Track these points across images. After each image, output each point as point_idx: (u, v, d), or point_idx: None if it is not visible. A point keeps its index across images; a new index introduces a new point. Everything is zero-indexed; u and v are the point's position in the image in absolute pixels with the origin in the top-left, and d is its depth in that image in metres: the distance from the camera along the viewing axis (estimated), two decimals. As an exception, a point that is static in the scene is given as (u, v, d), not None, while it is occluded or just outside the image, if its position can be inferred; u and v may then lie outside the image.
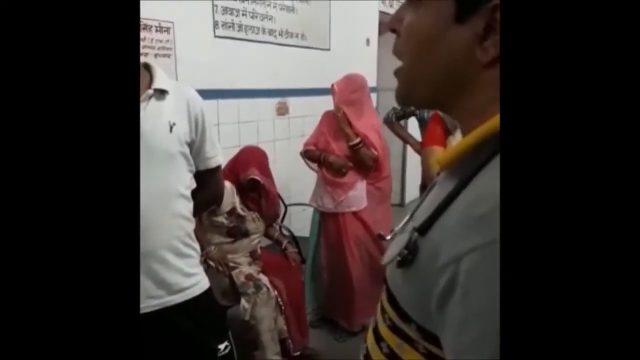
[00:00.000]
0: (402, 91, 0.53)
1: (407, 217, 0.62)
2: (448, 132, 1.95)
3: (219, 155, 1.32)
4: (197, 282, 1.21)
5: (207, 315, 1.24)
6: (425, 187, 1.67)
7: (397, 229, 0.61)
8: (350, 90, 2.39)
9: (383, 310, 0.54)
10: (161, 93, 1.15)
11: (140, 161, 0.48)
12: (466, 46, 0.45)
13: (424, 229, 0.47)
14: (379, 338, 0.55)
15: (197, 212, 1.29)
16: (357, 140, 2.35)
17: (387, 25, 0.53)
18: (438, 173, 0.57)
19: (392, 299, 0.51)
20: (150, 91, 1.13)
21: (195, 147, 1.22)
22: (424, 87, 0.51)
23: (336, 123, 2.42)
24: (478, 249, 0.39)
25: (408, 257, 0.47)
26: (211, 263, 2.11)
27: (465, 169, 0.45)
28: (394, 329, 0.52)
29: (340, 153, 2.41)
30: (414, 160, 2.22)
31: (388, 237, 0.60)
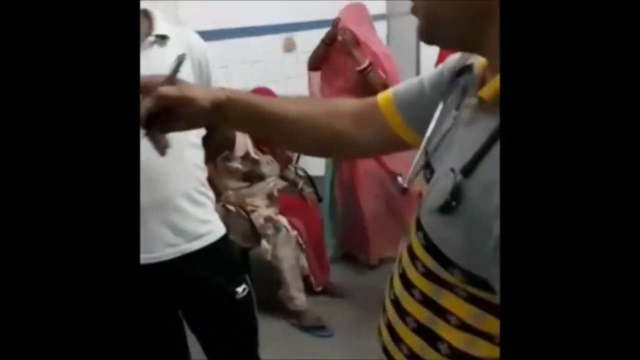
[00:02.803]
0: (426, 29, 0.50)
1: (419, 154, 0.59)
2: None
3: None
4: (213, 229, 1.22)
5: (223, 260, 1.26)
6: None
7: (413, 170, 0.59)
8: (357, 12, 2.28)
9: (414, 258, 0.53)
10: (162, 39, 1.11)
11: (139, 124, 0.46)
12: None
13: (468, 171, 0.45)
14: (409, 285, 0.54)
15: (210, 159, 1.28)
16: (367, 63, 2.20)
17: None
18: (457, 107, 0.54)
19: (430, 246, 0.49)
20: (151, 38, 1.09)
21: None
22: (449, 26, 0.48)
23: (337, 55, 2.28)
24: None
25: (452, 203, 0.45)
26: (230, 207, 2.13)
27: None
28: (429, 275, 0.51)
29: (347, 86, 2.32)
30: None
31: (405, 185, 0.58)
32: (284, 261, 2.11)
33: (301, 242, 2.21)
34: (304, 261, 2.24)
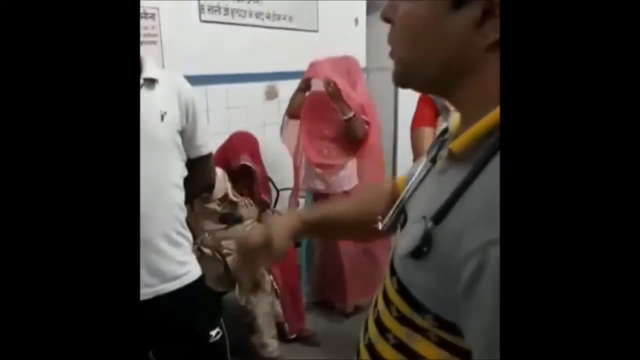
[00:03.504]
0: (399, 74, 0.53)
1: (397, 203, 0.61)
2: (437, 113, 1.94)
3: (210, 143, 1.32)
4: (189, 270, 1.22)
5: (198, 302, 1.25)
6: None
7: (388, 217, 0.61)
8: (332, 64, 2.32)
9: (388, 302, 0.54)
10: (151, 82, 1.14)
11: (140, 154, 0.48)
12: (464, 31, 0.45)
13: (439, 218, 0.46)
14: (383, 329, 0.55)
15: (189, 200, 1.29)
16: (351, 113, 2.24)
17: (381, 14, 0.53)
18: (434, 159, 0.57)
19: (403, 291, 0.51)
20: (141, 81, 1.12)
21: (187, 135, 1.21)
22: (422, 73, 0.51)
23: (318, 104, 2.33)
24: None
25: (423, 249, 0.47)
26: (205, 250, 2.11)
27: (476, 155, 0.45)
28: (402, 319, 0.52)
29: (329, 135, 2.38)
30: (405, 140, 2.19)
31: (380, 227, 0.60)
32: (258, 307, 2.07)
33: (276, 287, 2.18)
34: (278, 307, 2.21)
